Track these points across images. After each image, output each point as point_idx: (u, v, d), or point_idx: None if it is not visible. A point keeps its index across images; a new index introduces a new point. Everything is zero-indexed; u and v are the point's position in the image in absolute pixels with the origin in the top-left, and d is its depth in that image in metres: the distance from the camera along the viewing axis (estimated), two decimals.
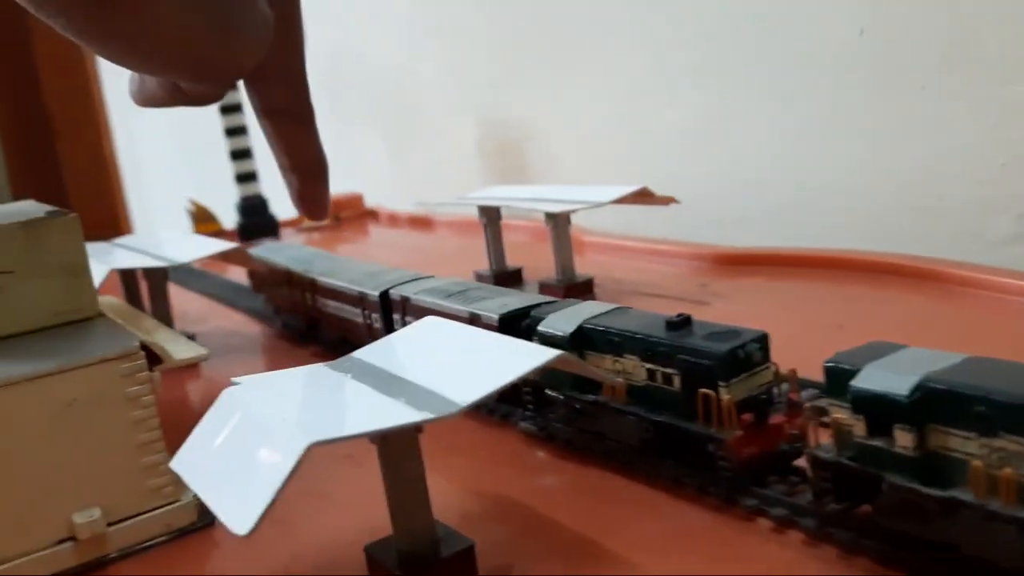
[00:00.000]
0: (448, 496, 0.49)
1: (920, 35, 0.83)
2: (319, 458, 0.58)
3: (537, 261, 0.94)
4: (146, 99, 0.52)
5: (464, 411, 0.34)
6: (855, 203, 0.92)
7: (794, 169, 0.98)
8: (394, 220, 1.44)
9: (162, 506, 0.47)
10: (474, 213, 0.91)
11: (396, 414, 0.34)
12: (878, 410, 0.36)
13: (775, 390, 0.45)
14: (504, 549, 0.42)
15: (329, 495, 0.50)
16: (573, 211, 0.82)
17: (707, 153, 1.06)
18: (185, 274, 1.18)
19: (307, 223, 1.47)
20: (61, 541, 0.45)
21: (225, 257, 0.83)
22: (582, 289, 0.83)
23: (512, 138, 1.35)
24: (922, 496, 0.34)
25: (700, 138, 1.07)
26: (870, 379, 0.36)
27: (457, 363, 0.40)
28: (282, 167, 0.55)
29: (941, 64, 0.82)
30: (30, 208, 0.54)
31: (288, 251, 0.88)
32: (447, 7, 1.42)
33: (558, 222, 0.83)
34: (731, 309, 0.74)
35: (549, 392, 0.52)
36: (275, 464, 0.31)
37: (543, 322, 0.52)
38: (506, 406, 0.57)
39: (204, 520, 0.48)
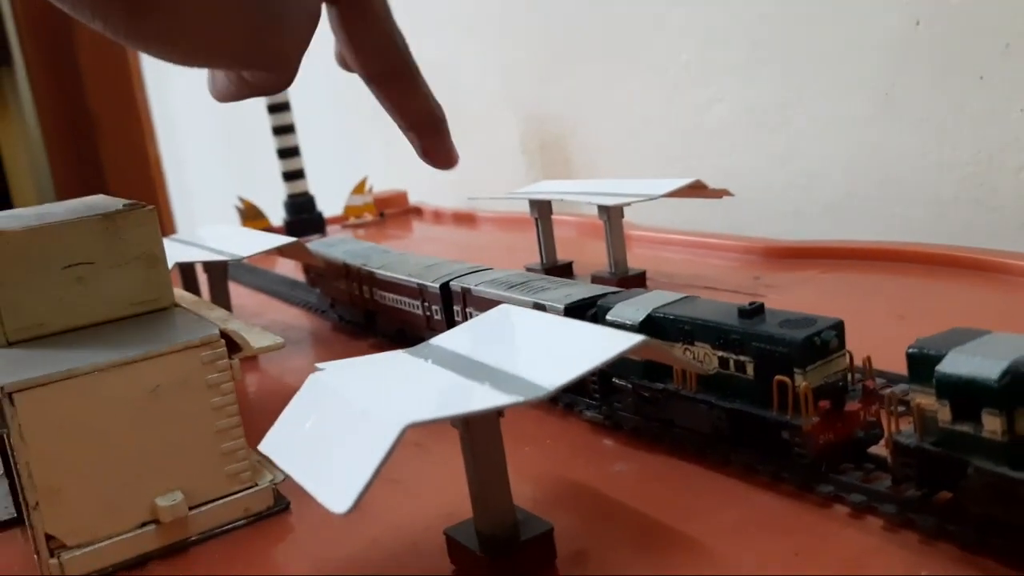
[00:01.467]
0: (519, 483, 0.49)
1: (978, 25, 0.82)
2: (398, 448, 0.59)
3: (586, 256, 0.94)
4: (220, 94, 0.53)
5: (552, 395, 0.34)
6: (911, 196, 0.92)
7: (849, 162, 0.97)
8: (438, 216, 1.45)
9: (240, 491, 0.48)
10: (518, 209, 0.92)
11: (485, 397, 0.35)
12: (965, 395, 0.36)
13: (849, 378, 0.45)
14: (579, 533, 0.43)
15: (402, 481, 0.51)
16: (627, 204, 0.82)
17: (759, 147, 1.06)
18: (237, 269, 1.20)
19: (353, 219, 1.48)
20: (145, 524, 0.46)
21: (282, 251, 0.84)
22: (635, 282, 0.83)
23: (555, 134, 1.35)
24: (1011, 481, 0.34)
25: (751, 132, 1.06)
26: (957, 364, 0.36)
27: (538, 349, 0.40)
28: (401, 128, 0.56)
29: (999, 54, 0.82)
30: (105, 202, 0.55)
31: (343, 245, 0.89)
32: (488, 3, 1.42)
33: (611, 215, 0.84)
34: (786, 301, 0.74)
35: (617, 380, 0.53)
36: (373, 445, 0.32)
37: (612, 311, 0.52)
38: (569, 395, 0.58)
39: (280, 505, 0.49)
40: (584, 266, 0.91)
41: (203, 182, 2.69)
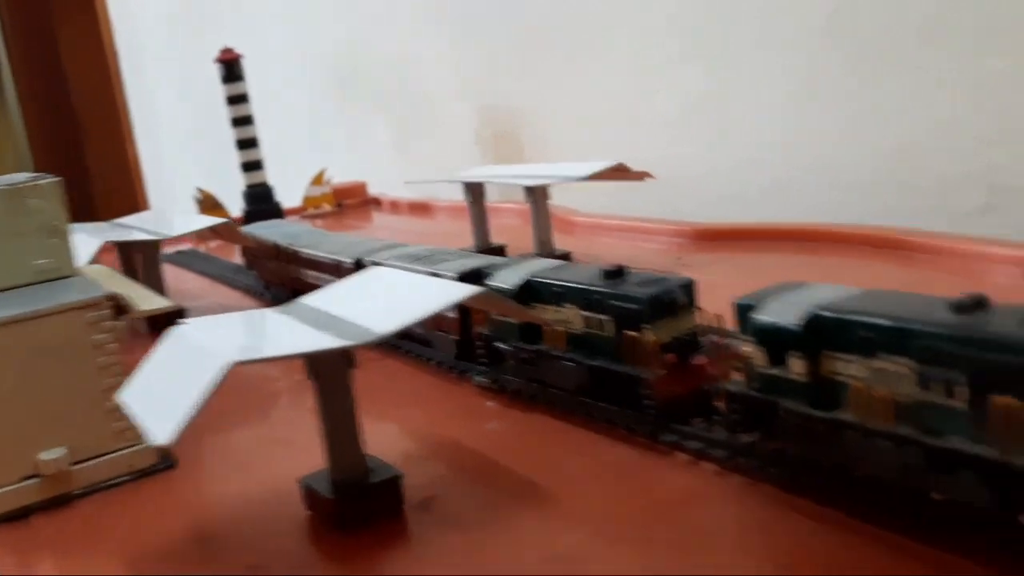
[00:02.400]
0: (397, 441, 0.51)
1: (896, 11, 0.84)
2: (285, 410, 0.61)
3: (524, 240, 0.96)
4: None
5: (381, 339, 0.36)
6: (839, 179, 0.94)
7: (782, 148, 0.99)
8: (396, 207, 1.47)
9: (125, 448, 0.50)
10: (460, 200, 0.94)
11: (319, 341, 0.37)
12: (776, 341, 0.38)
13: (704, 336, 0.46)
14: (435, 483, 0.45)
15: (292, 442, 0.53)
16: (549, 185, 0.84)
17: (699, 134, 1.08)
18: (188, 257, 1.22)
19: (311, 210, 1.50)
20: (28, 477, 0.48)
21: (215, 232, 0.86)
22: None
23: (510, 125, 1.37)
24: (811, 419, 0.36)
25: (692, 120, 1.08)
26: (769, 312, 0.38)
27: (387, 302, 0.42)
28: None
29: (917, 40, 0.84)
30: (17, 177, 0.57)
31: (279, 227, 0.91)
32: None
33: (536, 196, 0.86)
34: (699, 279, 0.76)
35: (499, 344, 0.54)
36: (199, 382, 0.34)
37: (493, 276, 0.54)
38: (465, 363, 0.60)
39: (165, 463, 0.51)
40: (517, 249, 0.93)
41: (180, 179, 2.71)
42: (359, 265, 0.69)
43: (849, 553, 0.34)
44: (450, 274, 0.58)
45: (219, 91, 1.42)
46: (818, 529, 0.36)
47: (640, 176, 0.85)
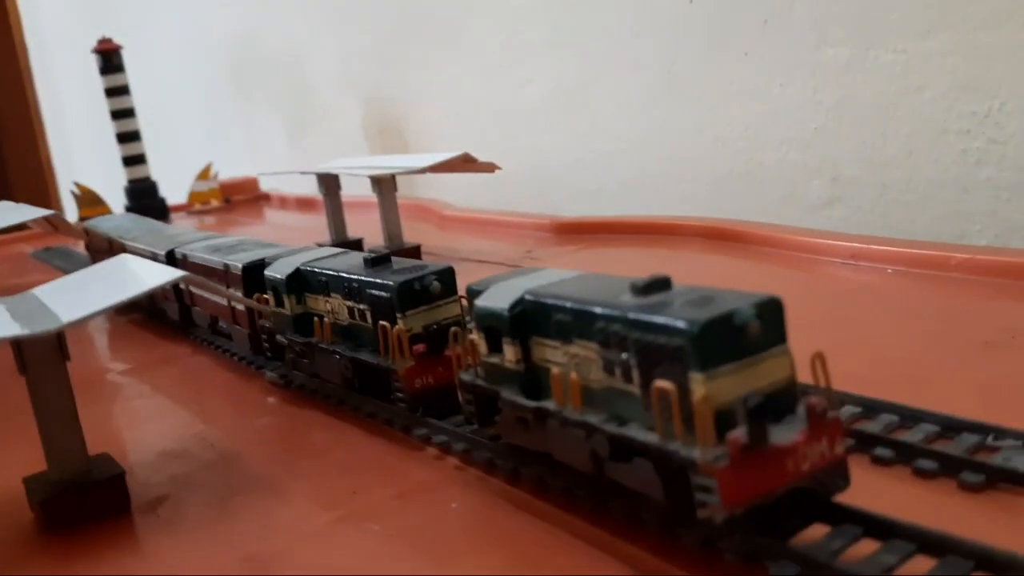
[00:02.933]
0: (156, 440, 0.49)
1: (742, 1, 0.84)
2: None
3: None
4: None
5: (63, 328, 0.34)
6: (692, 172, 0.93)
7: (640, 141, 0.98)
8: (284, 202, 1.44)
9: None
10: (363, 194, 0.91)
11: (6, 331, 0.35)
12: (493, 327, 0.36)
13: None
14: (174, 482, 0.42)
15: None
16: (394, 174, 0.82)
17: (566, 126, 1.07)
18: (50, 254, 1.18)
19: (198, 206, 1.46)
20: None
21: (53, 224, 0.82)
22: (408, 256, 0.83)
23: (393, 117, 1.35)
24: (521, 408, 0.35)
25: (559, 111, 1.07)
26: (488, 297, 0.36)
27: (97, 290, 0.40)
28: None
29: (759, 31, 0.83)
30: None
31: (121, 221, 0.88)
32: None
33: (383, 188, 0.84)
34: None
35: (279, 337, 0.52)
36: None
37: (269, 267, 0.52)
38: (261, 358, 0.57)
39: None
40: (374, 243, 0.91)
41: (89, 177, 2.64)
42: (171, 256, 0.67)
43: (541, 548, 0.32)
44: (237, 264, 0.56)
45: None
46: (527, 521, 0.34)
47: (489, 168, 0.83)
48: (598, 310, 0.31)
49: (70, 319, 0.34)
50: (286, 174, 1.10)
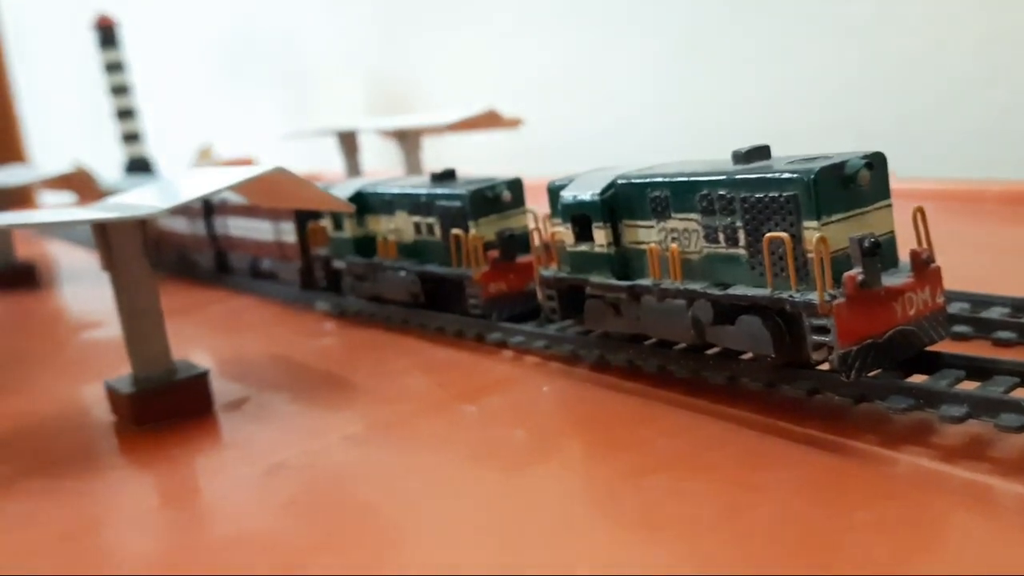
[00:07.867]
0: (224, 359, 0.49)
1: None
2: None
3: None
4: None
5: (160, 213, 0.35)
6: (718, 134, 0.94)
7: (660, 105, 0.99)
8: None
9: None
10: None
11: (89, 216, 0.35)
12: (581, 216, 0.37)
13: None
14: (252, 387, 0.43)
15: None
16: (421, 133, 0.83)
17: (582, 93, 1.08)
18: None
19: None
20: None
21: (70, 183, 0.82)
22: None
23: (398, 93, 1.35)
24: (614, 288, 0.36)
25: (574, 78, 1.09)
26: (575, 187, 0.37)
27: (182, 190, 0.40)
28: None
29: None
30: None
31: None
32: None
33: (408, 144, 0.84)
34: None
35: (336, 263, 0.53)
36: None
37: (333, 188, 0.52)
38: (310, 293, 0.58)
39: None
40: None
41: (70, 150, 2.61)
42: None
43: (641, 415, 0.33)
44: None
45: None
46: (621, 398, 0.35)
47: (513, 123, 0.84)
48: (703, 178, 0.32)
49: (165, 206, 0.35)
50: (302, 137, 1.10)
